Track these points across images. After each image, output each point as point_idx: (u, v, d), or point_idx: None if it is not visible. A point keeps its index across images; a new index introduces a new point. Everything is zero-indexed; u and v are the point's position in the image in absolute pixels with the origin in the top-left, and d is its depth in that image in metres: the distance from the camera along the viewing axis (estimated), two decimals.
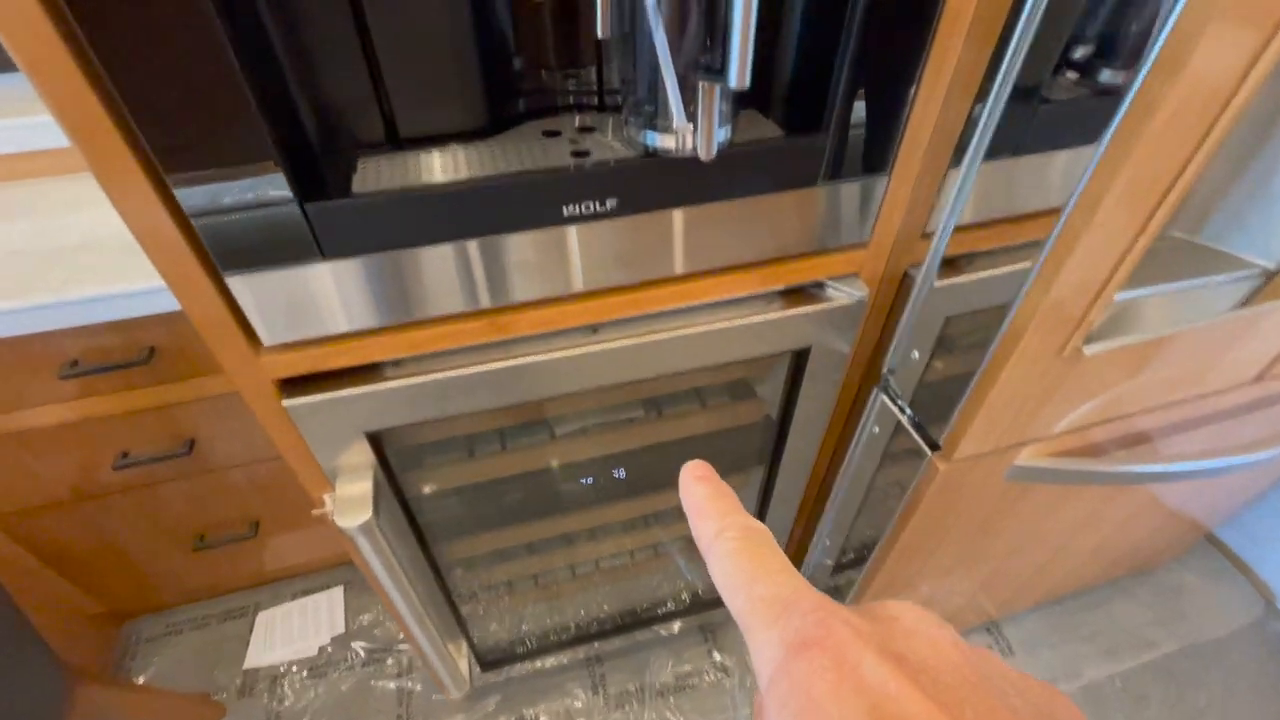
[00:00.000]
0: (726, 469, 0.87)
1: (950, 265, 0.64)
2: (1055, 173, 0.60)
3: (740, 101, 0.52)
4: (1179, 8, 0.34)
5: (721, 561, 0.16)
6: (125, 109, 0.35)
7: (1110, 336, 0.51)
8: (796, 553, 1.04)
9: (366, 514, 0.56)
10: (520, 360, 0.56)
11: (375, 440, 0.59)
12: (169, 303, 0.74)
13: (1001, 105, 0.48)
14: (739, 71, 0.36)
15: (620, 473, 0.81)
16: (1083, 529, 0.89)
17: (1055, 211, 0.46)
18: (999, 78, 0.47)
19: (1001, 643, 1.16)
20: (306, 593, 1.29)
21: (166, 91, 0.35)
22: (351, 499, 0.57)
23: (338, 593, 1.29)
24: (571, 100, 0.55)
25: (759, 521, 0.18)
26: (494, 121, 0.51)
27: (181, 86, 0.35)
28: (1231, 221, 0.57)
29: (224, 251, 0.43)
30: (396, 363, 0.55)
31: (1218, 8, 0.33)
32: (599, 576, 1.01)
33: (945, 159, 0.55)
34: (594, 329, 0.58)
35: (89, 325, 0.74)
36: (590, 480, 0.81)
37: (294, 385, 0.52)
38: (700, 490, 0.19)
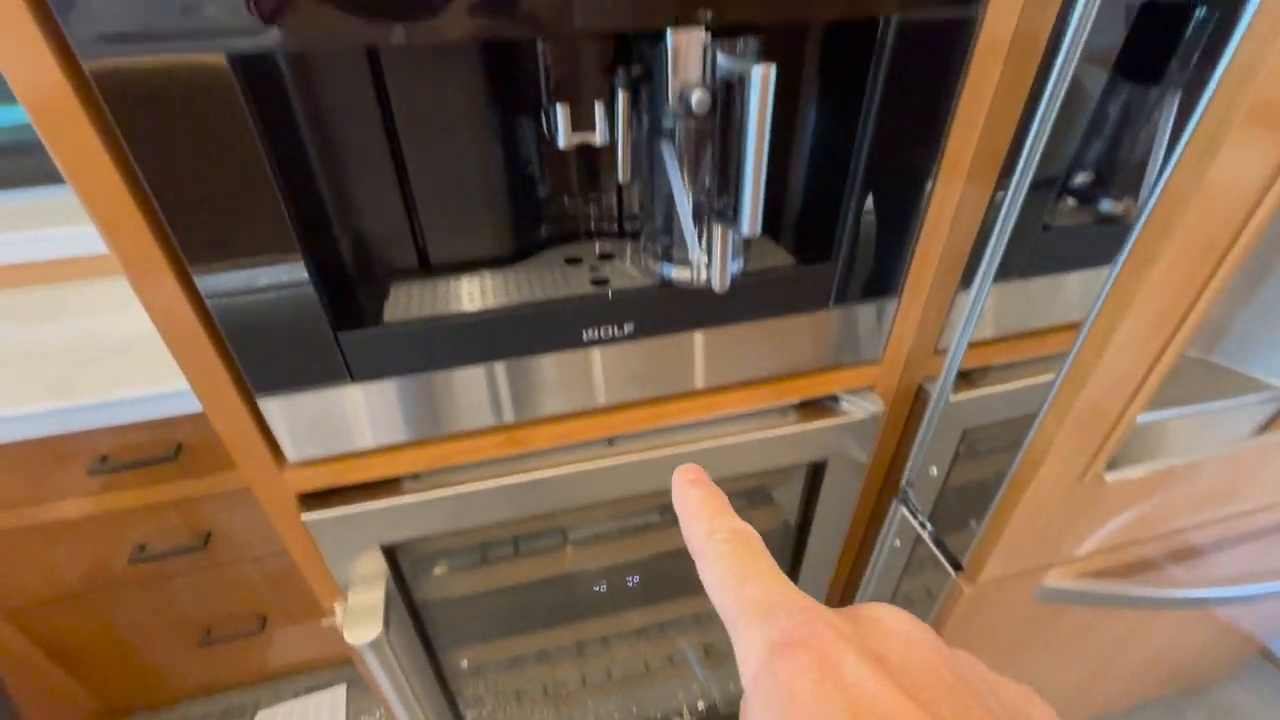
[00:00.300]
0: None
1: (965, 379, 0.64)
2: (1067, 291, 0.61)
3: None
4: (1170, 169, 0.35)
5: (712, 563, 0.17)
6: (168, 227, 0.37)
7: (1132, 462, 0.51)
8: None
9: (377, 629, 0.55)
10: (538, 474, 0.56)
11: (389, 551, 0.58)
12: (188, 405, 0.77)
13: (1006, 236, 0.50)
14: (751, 223, 0.39)
15: (634, 579, 0.79)
16: (1123, 647, 0.84)
17: (1070, 327, 0.46)
18: (1002, 211, 0.50)
19: None
20: (310, 690, 1.25)
21: (209, 212, 0.38)
22: (362, 611, 0.57)
23: (340, 691, 1.25)
24: (592, 226, 0.58)
25: (748, 525, 0.18)
26: (519, 248, 0.54)
27: (224, 209, 0.38)
28: (1246, 342, 0.58)
29: (257, 373, 0.45)
30: (415, 476, 0.56)
31: (1209, 169, 0.35)
32: (611, 685, 0.96)
33: (954, 280, 0.57)
34: (610, 441, 0.59)
35: (123, 424, 0.76)
36: (604, 587, 0.79)
37: (314, 499, 0.53)
38: (693, 493, 0.19)
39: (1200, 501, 0.58)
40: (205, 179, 0.37)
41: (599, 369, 0.52)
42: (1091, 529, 0.56)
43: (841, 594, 0.89)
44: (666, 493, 0.65)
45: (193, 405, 0.77)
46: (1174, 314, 0.40)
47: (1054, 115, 0.45)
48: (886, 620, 0.15)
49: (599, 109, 0.44)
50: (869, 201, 0.49)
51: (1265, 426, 0.55)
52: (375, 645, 0.55)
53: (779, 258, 0.54)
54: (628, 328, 0.50)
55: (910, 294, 0.56)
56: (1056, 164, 0.53)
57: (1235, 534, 0.65)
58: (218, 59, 0.33)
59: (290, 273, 0.41)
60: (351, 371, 0.46)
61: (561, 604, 0.81)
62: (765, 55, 0.41)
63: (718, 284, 0.46)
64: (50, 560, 0.88)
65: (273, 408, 0.46)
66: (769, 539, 0.78)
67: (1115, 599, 0.61)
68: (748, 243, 0.51)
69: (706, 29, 0.37)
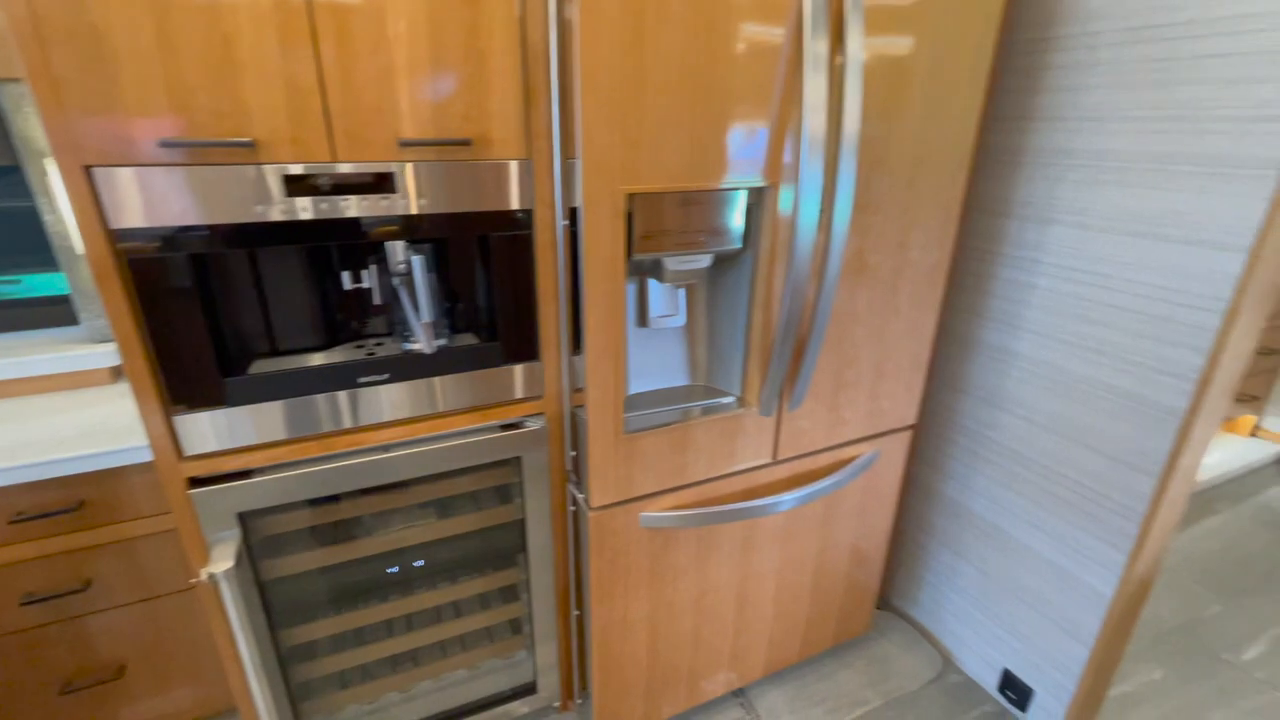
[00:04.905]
0: (500, 563, 1.27)
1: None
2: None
3: (458, 328, 1.07)
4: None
5: None
6: (150, 346, 0.82)
7: (641, 429, 1.03)
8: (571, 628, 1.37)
9: (230, 563, 0.92)
10: (337, 464, 0.99)
11: (243, 521, 0.97)
12: (103, 463, 1.12)
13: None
14: (429, 315, 0.90)
15: (420, 562, 1.18)
16: (746, 580, 1.32)
17: None
18: (560, 320, 1.05)
19: (753, 713, 1.48)
20: None
21: (176, 342, 0.83)
22: (221, 556, 0.93)
23: None
24: (369, 329, 1.08)
25: None
26: (328, 341, 1.02)
27: (180, 334, 0.83)
28: (719, 375, 1.15)
29: (174, 396, 0.87)
30: (261, 469, 0.96)
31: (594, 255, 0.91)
32: (418, 673, 1.29)
33: (568, 350, 1.10)
34: (386, 448, 1.03)
35: (39, 481, 1.09)
36: (396, 570, 1.17)
37: (196, 482, 0.92)
38: None
39: (717, 455, 1.11)
40: (178, 308, 0.82)
41: (371, 400, 0.99)
42: (650, 473, 1.06)
43: (565, 582, 1.32)
44: (436, 485, 1.11)
45: (96, 464, 1.12)
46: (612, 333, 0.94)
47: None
48: None
49: (364, 273, 0.95)
50: (511, 315, 1.02)
51: (729, 417, 1.11)
52: (228, 575, 0.92)
53: (470, 340, 1.05)
54: (386, 375, 0.98)
55: (545, 358, 1.08)
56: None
57: (759, 485, 1.19)
58: (178, 256, 0.81)
59: (205, 345, 0.86)
60: (228, 399, 0.89)
61: (368, 587, 1.17)
62: (436, 251, 0.95)
63: (428, 350, 0.96)
64: None
65: (180, 419, 0.88)
66: (511, 530, 1.27)
67: (683, 519, 1.11)
68: (453, 332, 1.03)
69: (406, 241, 0.91)
